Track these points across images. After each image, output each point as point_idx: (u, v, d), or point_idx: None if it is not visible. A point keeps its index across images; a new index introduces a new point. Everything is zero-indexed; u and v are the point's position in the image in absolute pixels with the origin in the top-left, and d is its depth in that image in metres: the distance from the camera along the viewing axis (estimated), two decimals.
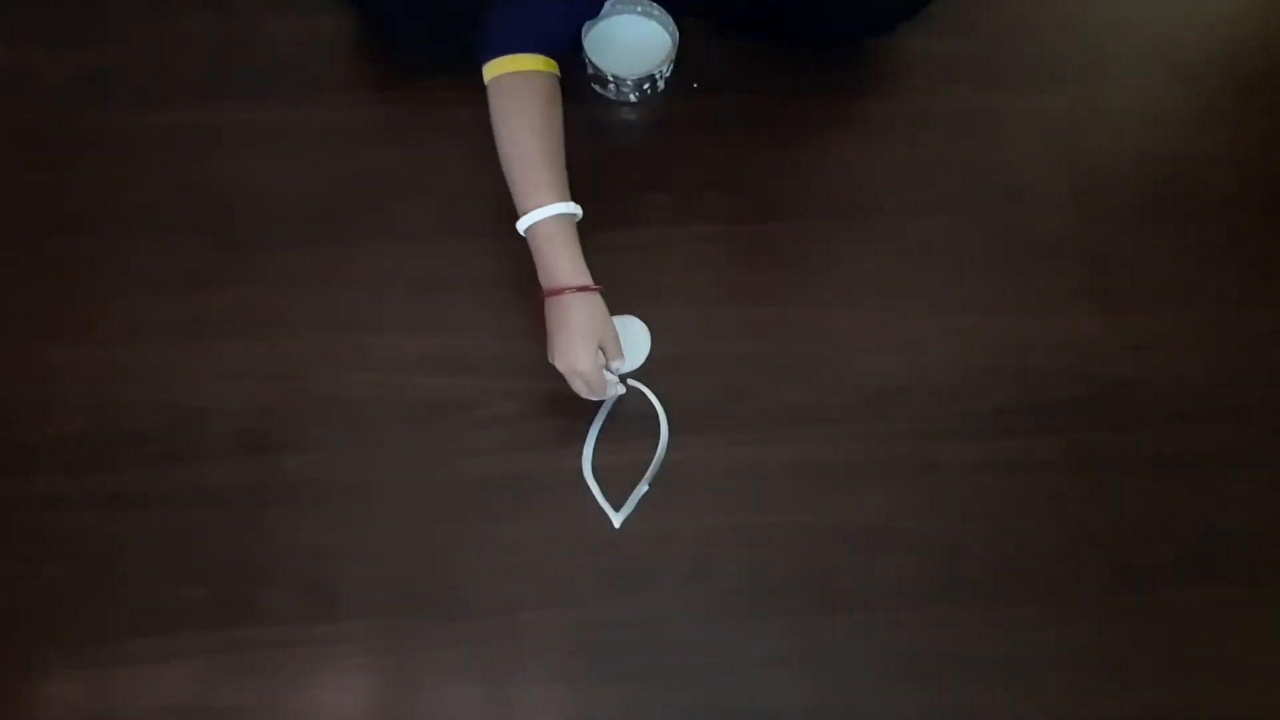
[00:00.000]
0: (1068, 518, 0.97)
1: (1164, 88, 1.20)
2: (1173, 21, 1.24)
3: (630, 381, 0.98)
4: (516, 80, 0.93)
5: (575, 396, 0.97)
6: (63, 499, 0.94)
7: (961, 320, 1.05)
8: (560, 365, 0.91)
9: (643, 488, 0.95)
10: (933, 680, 0.91)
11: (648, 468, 0.95)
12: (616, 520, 0.94)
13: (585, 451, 0.96)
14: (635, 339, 1.00)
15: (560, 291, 0.89)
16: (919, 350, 1.03)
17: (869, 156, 1.13)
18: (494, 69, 0.93)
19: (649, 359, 1.00)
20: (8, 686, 0.88)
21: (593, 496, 0.95)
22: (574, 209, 0.92)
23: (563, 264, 0.90)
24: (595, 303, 0.91)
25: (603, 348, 0.91)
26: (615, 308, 1.00)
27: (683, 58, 1.12)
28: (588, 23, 1.10)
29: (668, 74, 1.12)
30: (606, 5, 1.11)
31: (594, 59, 1.09)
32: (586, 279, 0.91)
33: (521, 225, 0.91)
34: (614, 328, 0.93)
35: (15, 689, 0.87)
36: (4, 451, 0.96)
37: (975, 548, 0.95)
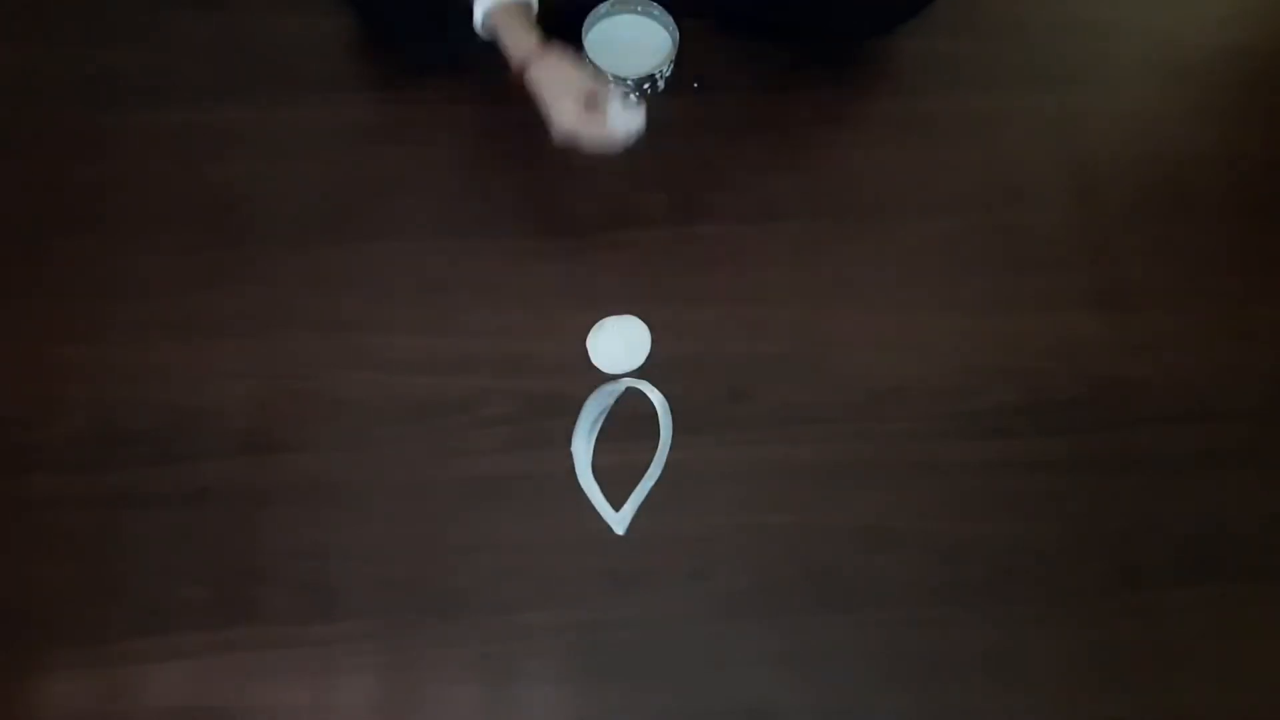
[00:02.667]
0: (1068, 518, 0.97)
1: (1164, 88, 1.20)
2: (1173, 21, 1.24)
3: (631, 381, 0.98)
4: None
5: (575, 396, 0.97)
6: (63, 499, 0.94)
7: (961, 320, 1.05)
8: (555, 136, 0.91)
9: (644, 489, 0.95)
10: (932, 680, 0.91)
11: (647, 468, 0.95)
12: (620, 528, 0.94)
13: (579, 458, 0.96)
14: (635, 339, 1.00)
15: (526, 66, 0.91)
16: (919, 350, 1.03)
17: (869, 156, 1.13)
18: None
19: (649, 359, 1.00)
20: (8, 686, 0.88)
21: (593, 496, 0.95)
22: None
23: (520, 40, 0.92)
24: (557, 63, 0.92)
25: (594, 98, 0.91)
26: (615, 308, 1.00)
27: (683, 58, 1.12)
28: (588, 23, 1.11)
29: (668, 74, 1.12)
30: (606, 5, 1.11)
31: (595, 59, 1.09)
32: (540, 44, 0.92)
33: (478, 15, 0.92)
34: (585, 77, 0.92)
35: (15, 689, 0.87)
36: (4, 451, 0.96)
37: (975, 548, 0.95)
